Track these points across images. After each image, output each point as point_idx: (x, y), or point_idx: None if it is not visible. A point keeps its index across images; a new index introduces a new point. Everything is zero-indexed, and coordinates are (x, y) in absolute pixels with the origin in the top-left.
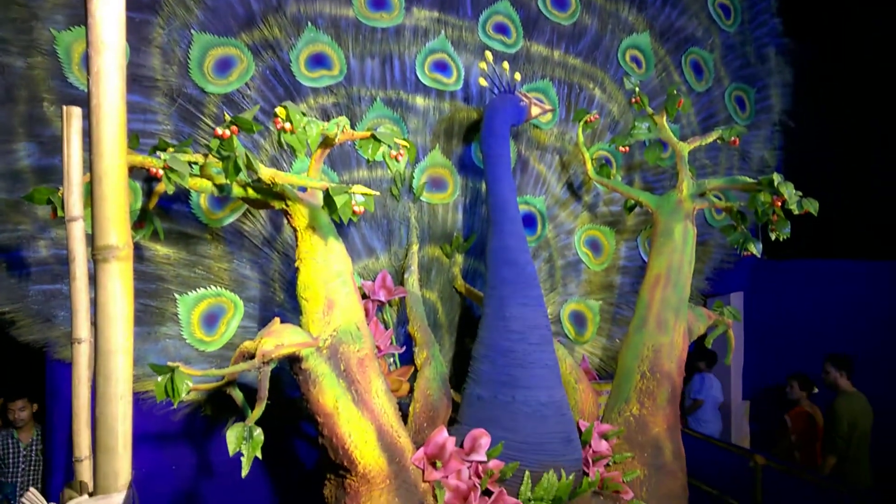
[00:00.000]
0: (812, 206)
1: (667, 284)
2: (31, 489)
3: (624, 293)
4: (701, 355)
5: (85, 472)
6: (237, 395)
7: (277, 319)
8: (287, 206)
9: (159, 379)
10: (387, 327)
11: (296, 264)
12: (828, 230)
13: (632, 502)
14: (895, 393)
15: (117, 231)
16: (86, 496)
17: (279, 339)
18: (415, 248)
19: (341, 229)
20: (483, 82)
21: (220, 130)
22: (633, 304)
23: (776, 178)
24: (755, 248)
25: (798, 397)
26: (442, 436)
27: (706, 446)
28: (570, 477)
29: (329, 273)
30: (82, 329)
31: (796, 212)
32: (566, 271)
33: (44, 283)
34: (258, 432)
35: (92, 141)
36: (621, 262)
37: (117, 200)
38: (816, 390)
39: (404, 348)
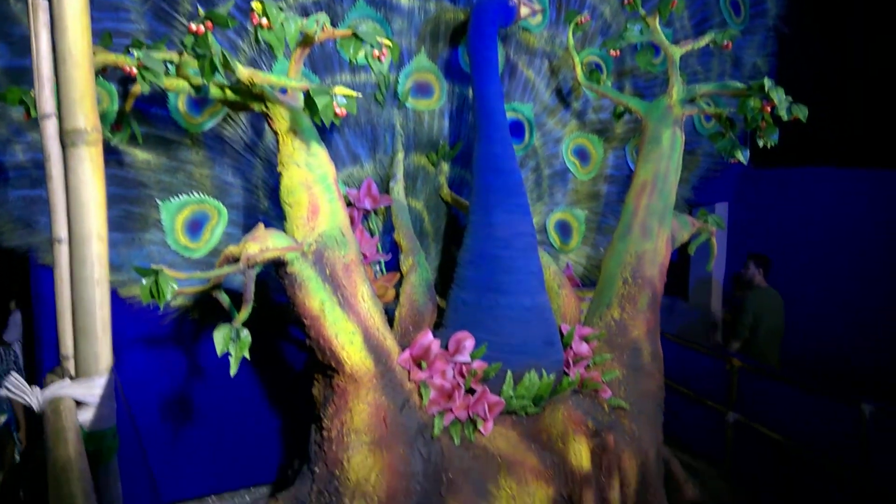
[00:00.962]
0: (801, 113)
1: (653, 191)
2: (13, 373)
3: (610, 202)
4: None
5: (72, 368)
6: (223, 298)
7: (261, 225)
8: (267, 108)
9: (144, 282)
10: (372, 235)
11: (278, 169)
12: (816, 139)
13: (610, 400)
14: (876, 301)
15: (85, 114)
16: (67, 379)
17: (263, 244)
18: (400, 155)
19: (325, 136)
20: None
21: (194, 26)
22: (619, 214)
23: (767, 82)
24: (742, 156)
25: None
26: (427, 338)
27: (684, 350)
28: (551, 377)
29: (312, 178)
30: (61, 229)
31: (785, 118)
32: (553, 181)
33: (23, 188)
34: (245, 333)
35: (53, 19)
36: (608, 171)
37: (83, 81)
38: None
39: (390, 256)
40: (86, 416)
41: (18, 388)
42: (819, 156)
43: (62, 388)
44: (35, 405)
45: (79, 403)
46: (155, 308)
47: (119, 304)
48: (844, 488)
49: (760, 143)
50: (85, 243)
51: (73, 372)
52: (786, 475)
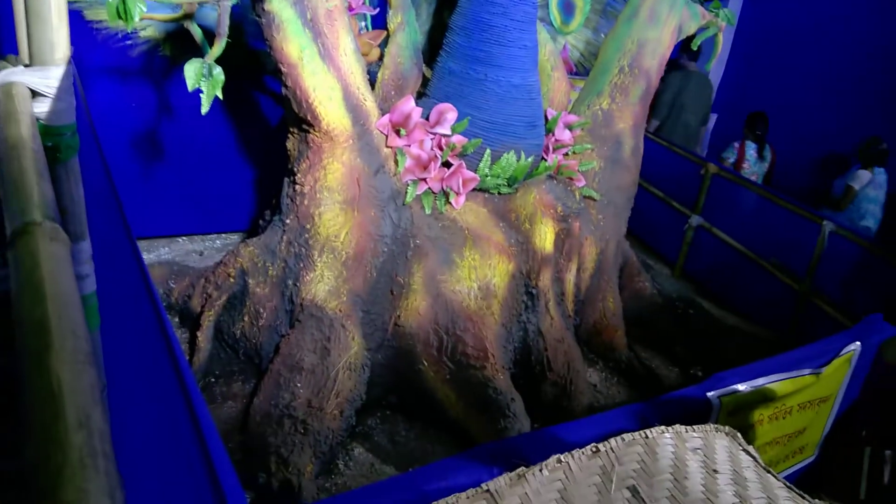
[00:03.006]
0: None
1: None
2: None
3: None
4: None
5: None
6: (195, 30)
7: None
8: None
9: None
10: None
11: None
12: None
13: (582, 189)
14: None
15: None
16: (21, 67)
17: None
18: None
19: None
20: None
21: None
22: None
23: None
24: None
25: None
26: (408, 105)
27: (664, 151)
28: (529, 160)
29: None
30: None
31: None
32: None
33: None
34: (218, 70)
35: None
36: None
37: None
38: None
39: (377, 10)
40: (41, 107)
41: None
42: None
43: (14, 74)
44: None
45: (34, 95)
46: (123, 36)
47: (85, 31)
48: (787, 296)
49: None
50: None
51: (24, 61)
52: (735, 280)
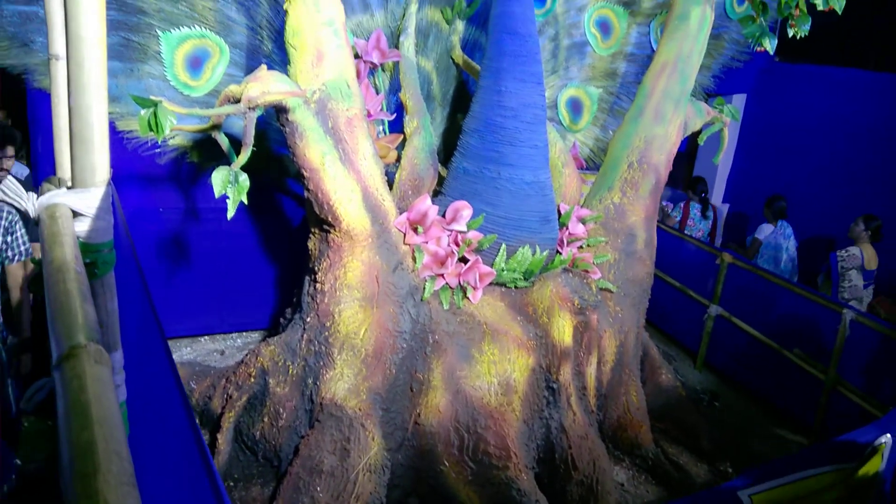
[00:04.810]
0: (837, 4)
1: (672, 73)
2: (9, 177)
3: (627, 83)
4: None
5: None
6: (223, 139)
7: (264, 66)
8: None
9: (143, 112)
10: (378, 92)
11: (284, 6)
12: (847, 37)
13: (598, 282)
14: (889, 209)
15: None
16: (64, 189)
17: (265, 86)
18: (413, 7)
19: None
20: None
21: None
22: (634, 96)
23: None
24: (769, 44)
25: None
26: (425, 203)
27: (677, 241)
28: (544, 253)
29: (319, 19)
30: (59, 45)
31: (820, 7)
32: (570, 52)
33: (19, 4)
34: (244, 177)
35: None
36: (629, 49)
37: None
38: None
39: (394, 116)
40: (82, 227)
41: (15, 192)
42: (847, 56)
43: (58, 196)
44: (31, 211)
45: (75, 214)
46: (152, 144)
47: (116, 140)
48: (813, 386)
49: (791, 33)
50: (82, 47)
51: (67, 182)
52: (758, 370)
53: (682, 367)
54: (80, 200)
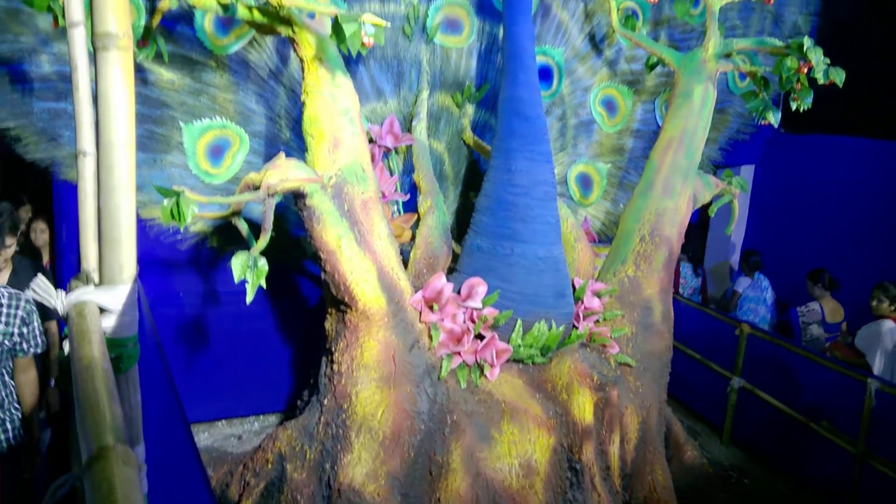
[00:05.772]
0: (838, 77)
1: (679, 148)
2: (40, 275)
3: (634, 158)
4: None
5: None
6: (242, 225)
7: (282, 154)
8: (294, 32)
9: (165, 202)
10: (392, 174)
11: (302, 98)
12: (850, 107)
13: (616, 356)
14: None
15: (117, 18)
16: (91, 286)
17: (284, 173)
18: (425, 94)
19: (350, 68)
20: None
21: None
22: (643, 170)
23: (806, 41)
24: (773, 118)
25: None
26: (440, 281)
27: (695, 312)
28: (561, 328)
29: (336, 109)
30: (87, 142)
31: (821, 81)
32: (578, 131)
33: (48, 101)
34: (263, 262)
35: None
36: (635, 126)
37: None
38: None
39: (408, 196)
40: (108, 322)
41: (45, 290)
42: (851, 125)
43: (86, 294)
44: (60, 308)
45: (102, 310)
46: (174, 231)
47: (139, 227)
48: (843, 460)
49: (794, 106)
50: (112, 150)
51: (94, 279)
52: (785, 443)
53: (707, 442)
54: (108, 297)
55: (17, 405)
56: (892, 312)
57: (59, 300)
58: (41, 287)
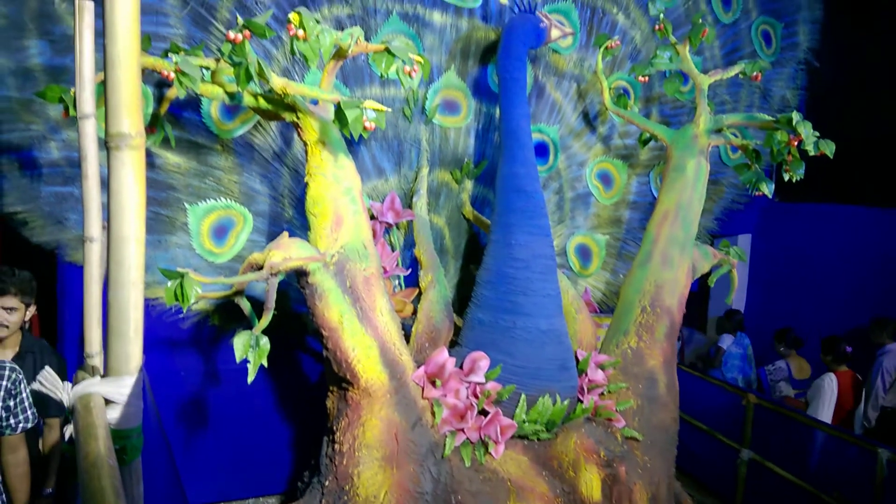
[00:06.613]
0: (828, 148)
1: (675, 220)
2: (47, 367)
3: (632, 228)
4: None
5: (96, 364)
6: (245, 304)
7: (286, 233)
8: (298, 118)
9: (169, 284)
10: (393, 249)
11: (305, 179)
12: (842, 175)
13: (623, 430)
14: None
15: (130, 119)
16: (98, 377)
17: (287, 253)
18: (425, 171)
19: (351, 148)
20: (503, 0)
21: (232, 34)
22: (640, 240)
23: (795, 116)
24: (767, 189)
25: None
26: (442, 356)
27: (700, 382)
28: (565, 402)
29: (338, 189)
30: (94, 228)
31: (812, 153)
32: (575, 203)
33: (55, 185)
34: (265, 341)
35: (105, 26)
36: (631, 197)
37: (130, 87)
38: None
39: (410, 271)
40: (113, 414)
41: (51, 382)
42: (845, 193)
43: (92, 386)
44: (66, 400)
45: (107, 401)
46: (176, 311)
47: None
48: None
49: (786, 177)
50: (123, 245)
51: (99, 368)
52: None
53: None
54: (114, 389)
55: (2, 491)
56: (833, 365)
57: (65, 392)
58: (48, 380)
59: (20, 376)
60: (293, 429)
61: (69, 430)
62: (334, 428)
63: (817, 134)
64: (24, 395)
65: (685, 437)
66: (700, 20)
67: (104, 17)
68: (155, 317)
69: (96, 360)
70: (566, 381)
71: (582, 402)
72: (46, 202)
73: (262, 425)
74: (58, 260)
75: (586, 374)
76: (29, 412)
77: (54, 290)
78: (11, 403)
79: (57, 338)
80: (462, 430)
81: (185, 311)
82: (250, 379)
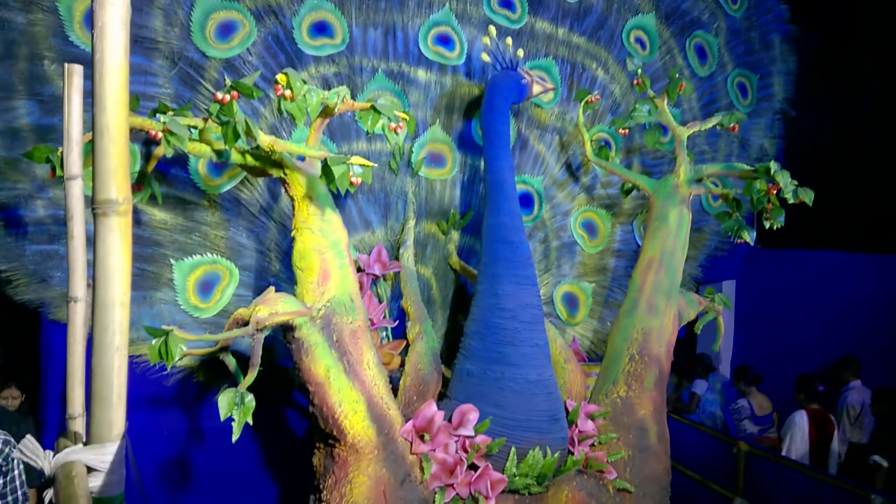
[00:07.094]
0: (807, 196)
1: (659, 268)
2: (28, 436)
3: (617, 276)
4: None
5: (78, 428)
6: (230, 361)
7: (272, 288)
8: (285, 174)
9: (154, 342)
10: (381, 301)
11: (292, 234)
12: (823, 221)
13: (615, 482)
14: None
15: (118, 186)
16: (80, 445)
17: (273, 308)
18: (411, 223)
19: (338, 201)
20: (486, 58)
21: (220, 95)
22: (626, 288)
23: (773, 165)
24: (748, 236)
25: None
26: (431, 409)
27: (691, 431)
28: (556, 455)
29: (325, 243)
30: (79, 288)
31: (791, 200)
32: (561, 252)
33: (41, 243)
34: (250, 398)
35: (94, 94)
36: (616, 246)
37: (119, 155)
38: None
39: (397, 322)
40: (95, 482)
41: (32, 451)
42: (827, 239)
43: (74, 453)
44: (47, 469)
45: (89, 469)
46: (160, 367)
47: None
48: None
49: (767, 225)
50: (108, 310)
51: (81, 431)
52: None
53: None
54: (96, 456)
55: None
56: (805, 403)
57: (45, 460)
58: (29, 448)
59: (11, 451)
60: (279, 487)
61: (49, 495)
62: (321, 486)
63: (795, 182)
64: (16, 472)
65: (678, 486)
66: (677, 74)
67: (93, 86)
68: (139, 374)
69: (78, 422)
70: (556, 432)
71: (573, 453)
72: (31, 260)
73: (247, 484)
74: (41, 318)
75: (576, 425)
76: (20, 492)
77: (37, 347)
78: (1, 482)
79: (39, 396)
80: (452, 485)
81: (168, 369)
82: (235, 437)
